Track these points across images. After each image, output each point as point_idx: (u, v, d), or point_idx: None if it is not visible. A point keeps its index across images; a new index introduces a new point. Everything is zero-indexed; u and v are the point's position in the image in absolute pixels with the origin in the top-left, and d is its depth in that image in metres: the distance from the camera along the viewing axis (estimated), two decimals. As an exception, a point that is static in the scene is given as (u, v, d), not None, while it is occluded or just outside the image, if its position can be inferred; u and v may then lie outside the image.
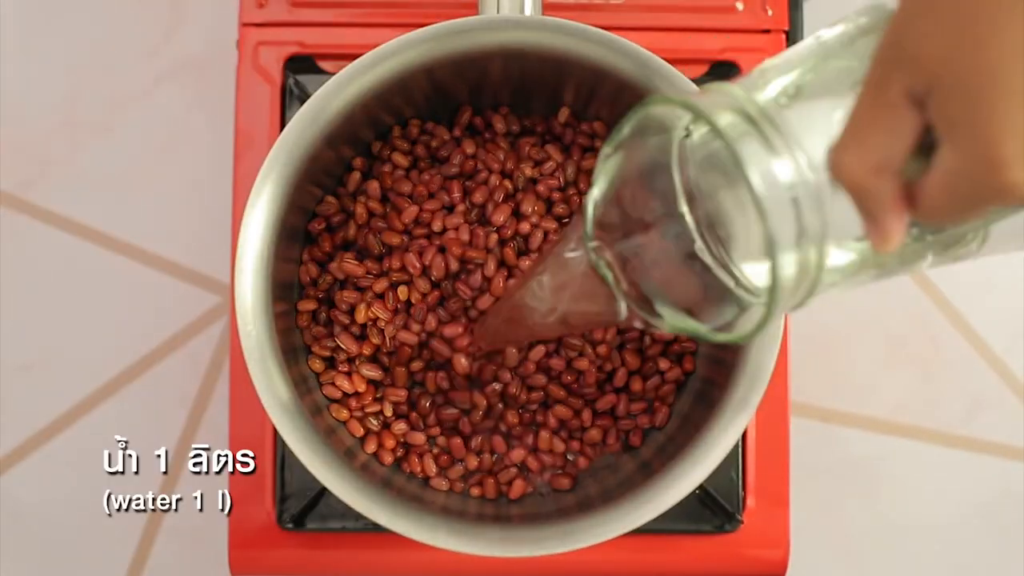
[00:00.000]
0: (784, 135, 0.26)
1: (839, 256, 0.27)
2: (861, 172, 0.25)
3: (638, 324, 0.35)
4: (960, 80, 0.23)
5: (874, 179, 0.25)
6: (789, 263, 0.26)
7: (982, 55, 0.23)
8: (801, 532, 0.52)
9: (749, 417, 0.43)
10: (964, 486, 0.69)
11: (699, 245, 0.33)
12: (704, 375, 0.49)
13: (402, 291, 0.49)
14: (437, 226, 0.49)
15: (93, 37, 0.70)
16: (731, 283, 0.32)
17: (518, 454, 0.49)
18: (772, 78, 0.28)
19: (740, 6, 0.53)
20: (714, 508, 0.50)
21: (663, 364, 0.50)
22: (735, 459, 0.50)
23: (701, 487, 0.44)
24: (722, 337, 0.32)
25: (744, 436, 0.50)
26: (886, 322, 0.70)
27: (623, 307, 0.36)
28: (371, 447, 0.49)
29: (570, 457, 0.50)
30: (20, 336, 0.68)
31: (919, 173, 0.25)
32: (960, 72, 0.23)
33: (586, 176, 0.50)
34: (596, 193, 0.34)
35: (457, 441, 0.49)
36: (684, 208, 0.33)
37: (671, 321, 0.34)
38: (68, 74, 0.70)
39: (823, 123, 0.26)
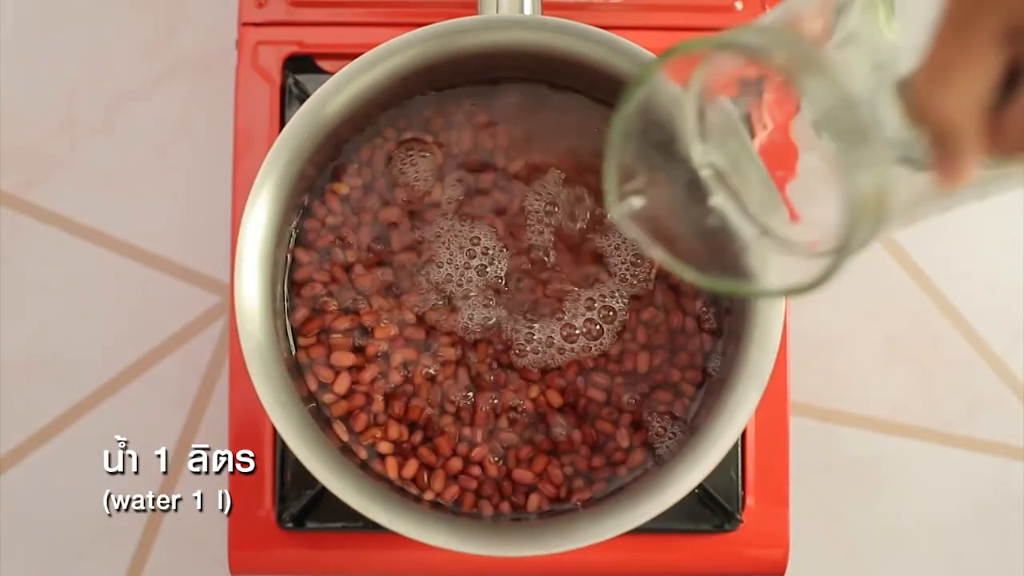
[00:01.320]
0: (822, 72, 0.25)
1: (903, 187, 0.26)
2: (951, 111, 0.24)
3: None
4: None
5: (964, 118, 0.24)
6: (864, 183, 0.25)
7: None
8: (801, 532, 0.52)
9: (748, 416, 0.43)
10: (964, 486, 0.69)
11: (718, 199, 0.32)
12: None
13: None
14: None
15: (93, 37, 0.70)
16: (754, 233, 0.31)
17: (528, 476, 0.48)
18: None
19: (739, 6, 0.53)
20: (714, 507, 0.49)
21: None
22: (735, 458, 0.50)
23: (700, 486, 0.44)
24: (761, 293, 0.30)
25: (744, 435, 0.50)
26: (886, 322, 0.70)
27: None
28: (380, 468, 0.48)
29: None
30: (20, 336, 0.68)
31: (994, 104, 0.24)
32: None
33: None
34: (615, 151, 0.32)
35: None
36: (700, 159, 0.32)
37: (704, 284, 0.32)
38: (68, 74, 0.70)
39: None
